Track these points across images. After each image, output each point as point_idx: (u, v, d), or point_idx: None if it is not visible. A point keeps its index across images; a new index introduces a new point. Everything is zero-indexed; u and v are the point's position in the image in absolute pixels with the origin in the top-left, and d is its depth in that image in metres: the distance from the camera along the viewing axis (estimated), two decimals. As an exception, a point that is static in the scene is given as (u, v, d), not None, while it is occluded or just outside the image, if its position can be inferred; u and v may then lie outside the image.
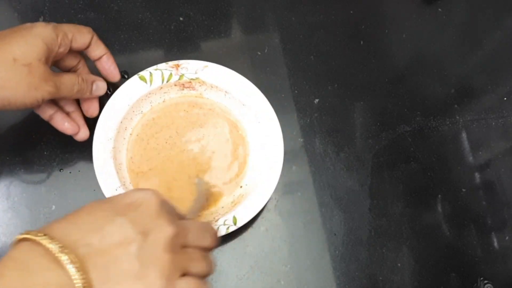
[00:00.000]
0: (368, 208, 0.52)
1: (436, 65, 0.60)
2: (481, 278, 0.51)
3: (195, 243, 0.32)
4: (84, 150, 0.48)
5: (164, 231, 0.30)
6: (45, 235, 0.27)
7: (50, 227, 0.29)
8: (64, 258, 0.26)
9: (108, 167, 0.45)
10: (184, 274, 0.30)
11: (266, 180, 0.47)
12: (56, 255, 0.26)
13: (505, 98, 0.60)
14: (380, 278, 0.50)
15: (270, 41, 0.57)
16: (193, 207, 0.43)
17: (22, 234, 0.28)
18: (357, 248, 0.50)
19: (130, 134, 0.49)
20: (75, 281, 0.26)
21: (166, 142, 0.49)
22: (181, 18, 0.57)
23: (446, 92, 0.59)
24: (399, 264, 0.51)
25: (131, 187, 0.47)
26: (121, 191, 0.45)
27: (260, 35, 0.58)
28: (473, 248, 0.52)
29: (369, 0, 0.61)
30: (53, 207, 0.47)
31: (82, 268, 0.26)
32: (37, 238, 0.27)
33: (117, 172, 0.46)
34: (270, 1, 0.59)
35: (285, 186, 0.51)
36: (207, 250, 0.34)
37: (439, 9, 0.62)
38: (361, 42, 0.59)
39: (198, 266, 0.32)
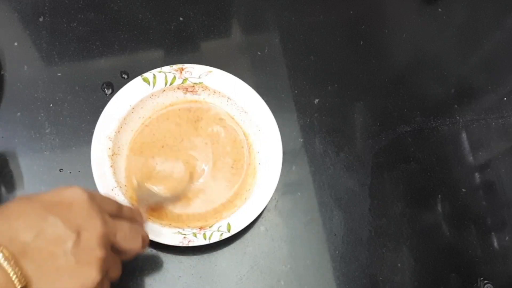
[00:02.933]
0: (368, 208, 0.52)
1: (436, 65, 0.60)
2: (481, 278, 0.51)
3: (124, 245, 0.34)
4: (84, 150, 0.48)
5: (97, 230, 0.31)
6: None
7: None
8: None
9: (105, 167, 0.45)
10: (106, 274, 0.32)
11: (265, 182, 0.47)
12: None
13: (505, 98, 0.60)
14: (380, 278, 0.50)
15: (270, 41, 0.57)
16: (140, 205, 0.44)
17: None
18: (357, 248, 0.50)
19: (130, 134, 0.49)
20: (12, 277, 0.27)
21: (166, 144, 0.49)
22: (181, 18, 0.57)
23: (446, 92, 0.59)
24: (399, 264, 0.51)
25: (128, 188, 0.47)
26: (117, 192, 0.45)
27: (260, 35, 0.58)
28: (473, 248, 0.52)
29: (369, 0, 0.61)
30: (53, 207, 0.47)
31: (18, 264, 0.27)
32: None
33: (114, 173, 0.46)
34: (270, 1, 0.59)
35: (285, 186, 0.51)
36: (133, 253, 0.36)
37: (439, 9, 0.62)
38: (361, 42, 0.59)
39: (115, 270, 0.34)
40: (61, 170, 0.49)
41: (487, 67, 0.61)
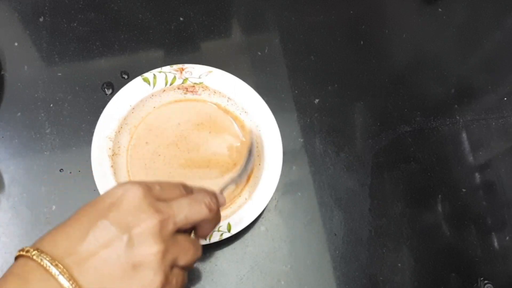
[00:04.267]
0: (368, 208, 0.52)
1: (436, 65, 0.60)
2: (481, 278, 0.51)
3: (188, 221, 0.32)
4: (84, 150, 0.48)
5: (148, 223, 0.29)
6: (36, 249, 0.28)
7: (41, 240, 0.29)
8: (54, 270, 0.27)
9: (106, 167, 0.45)
10: (173, 265, 0.30)
11: (263, 187, 0.47)
12: (47, 268, 0.27)
13: (505, 98, 0.60)
14: (380, 278, 0.50)
15: (270, 41, 0.57)
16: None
17: (18, 251, 0.29)
18: (357, 248, 0.50)
19: (130, 135, 0.49)
20: None
21: (166, 144, 0.49)
22: (181, 18, 0.57)
23: (446, 92, 0.59)
24: (399, 264, 0.51)
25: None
26: None
27: (260, 35, 0.58)
28: (473, 248, 0.52)
29: (369, 0, 0.61)
30: (53, 207, 0.47)
31: (72, 277, 0.27)
32: (29, 254, 0.28)
33: (114, 173, 0.46)
34: (270, 1, 0.59)
35: (285, 186, 0.51)
36: (204, 224, 0.34)
37: (439, 9, 0.62)
38: (361, 42, 0.59)
39: (187, 256, 0.31)
40: (61, 170, 0.49)
41: (487, 67, 0.61)
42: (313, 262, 0.49)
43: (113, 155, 0.47)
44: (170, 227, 0.30)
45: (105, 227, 0.29)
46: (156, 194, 0.31)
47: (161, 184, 0.33)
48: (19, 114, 0.50)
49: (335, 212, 0.51)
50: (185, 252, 0.31)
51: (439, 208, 0.53)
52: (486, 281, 0.51)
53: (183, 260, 0.31)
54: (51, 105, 0.51)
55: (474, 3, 0.63)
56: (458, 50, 0.61)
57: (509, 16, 0.64)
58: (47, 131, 0.50)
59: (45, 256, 0.28)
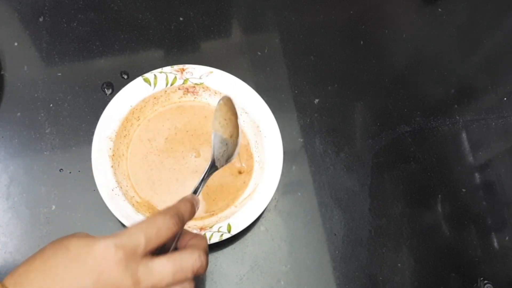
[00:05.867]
0: (368, 208, 0.52)
1: (436, 65, 0.60)
2: (481, 278, 0.51)
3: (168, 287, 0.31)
4: (84, 150, 0.48)
5: None
6: None
7: (15, 283, 0.29)
8: None
9: (106, 167, 0.45)
10: None
11: (264, 187, 0.47)
12: None
13: (505, 98, 0.60)
14: (380, 278, 0.50)
15: (270, 41, 0.57)
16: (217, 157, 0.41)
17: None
18: (357, 248, 0.50)
19: (130, 135, 0.49)
20: None
21: (166, 145, 0.49)
22: (181, 18, 0.57)
23: (446, 92, 0.59)
24: (399, 264, 0.51)
25: (128, 188, 0.47)
26: (117, 192, 0.45)
27: (260, 35, 0.58)
28: (473, 248, 0.52)
29: (369, 0, 0.61)
30: (53, 207, 0.47)
31: None
32: None
33: (115, 173, 0.46)
34: (270, 1, 0.59)
35: (285, 186, 0.51)
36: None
37: (439, 9, 0.62)
38: (361, 42, 0.59)
39: None
40: (61, 170, 0.49)
41: (487, 67, 0.61)
42: (313, 262, 0.49)
43: (113, 155, 0.47)
44: None
45: None
46: (141, 252, 0.30)
47: (149, 234, 0.30)
48: (19, 114, 0.50)
49: (335, 212, 0.51)
50: None
51: (439, 208, 0.53)
52: (486, 281, 0.51)
53: None
54: (51, 105, 0.51)
55: (474, 3, 0.63)
56: (458, 50, 0.61)
57: (509, 16, 0.64)
58: (47, 131, 0.50)
59: None
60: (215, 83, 0.50)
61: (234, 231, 0.45)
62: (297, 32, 0.58)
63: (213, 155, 0.42)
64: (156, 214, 0.32)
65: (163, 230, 0.31)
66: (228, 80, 0.50)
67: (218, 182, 0.49)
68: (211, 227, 0.45)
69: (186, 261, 0.31)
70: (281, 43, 0.57)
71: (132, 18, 0.56)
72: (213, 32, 0.57)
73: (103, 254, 0.29)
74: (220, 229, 0.45)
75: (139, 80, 0.48)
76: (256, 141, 0.50)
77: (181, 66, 0.49)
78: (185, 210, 0.33)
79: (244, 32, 0.58)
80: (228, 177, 0.49)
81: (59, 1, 0.55)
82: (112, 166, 0.46)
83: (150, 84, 0.49)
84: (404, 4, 0.62)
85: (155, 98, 0.49)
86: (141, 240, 0.30)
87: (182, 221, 0.33)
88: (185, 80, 0.50)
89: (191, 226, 0.46)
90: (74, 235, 0.31)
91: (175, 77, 0.49)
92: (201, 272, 0.32)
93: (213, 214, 0.48)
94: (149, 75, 0.49)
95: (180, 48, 0.55)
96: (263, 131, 0.49)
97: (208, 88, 0.50)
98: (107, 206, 0.43)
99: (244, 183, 0.49)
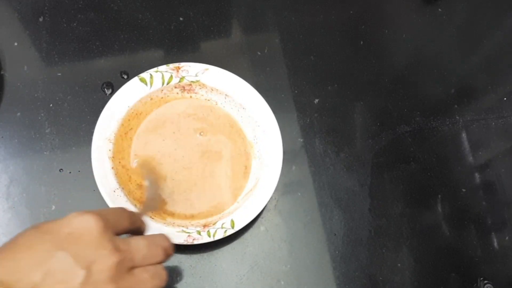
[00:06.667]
0: (368, 208, 0.52)
1: (436, 65, 0.60)
2: (481, 278, 0.51)
3: (145, 263, 0.32)
4: (84, 150, 0.48)
5: (107, 262, 0.29)
6: None
7: None
8: None
9: (106, 168, 0.45)
10: None
11: (265, 182, 0.47)
12: None
13: (505, 98, 0.60)
14: (380, 278, 0.50)
15: (270, 41, 0.57)
16: (145, 205, 0.43)
17: None
18: (357, 248, 0.50)
19: (130, 135, 0.49)
20: None
21: (165, 144, 0.49)
22: (181, 18, 0.57)
23: (446, 92, 0.59)
24: (399, 264, 0.51)
25: (131, 189, 0.47)
26: (119, 193, 0.45)
27: (260, 35, 0.58)
28: (473, 248, 0.52)
29: (369, 0, 0.61)
30: (53, 207, 0.47)
31: None
32: None
33: (115, 174, 0.46)
34: (270, 1, 0.59)
35: (285, 186, 0.51)
36: (161, 263, 0.33)
37: (439, 9, 0.62)
38: (361, 42, 0.59)
39: (147, 286, 0.31)
40: (61, 170, 0.49)
41: (487, 67, 0.61)
42: (313, 262, 0.49)
43: (113, 156, 0.47)
44: (128, 265, 0.30)
45: (64, 259, 0.28)
46: (111, 226, 0.31)
47: (114, 213, 0.32)
48: (19, 114, 0.50)
49: (335, 212, 0.51)
50: (143, 286, 0.31)
51: (439, 208, 0.53)
52: (486, 281, 0.51)
53: None
54: (51, 105, 0.51)
55: (474, 3, 0.63)
56: (458, 50, 0.61)
57: (509, 16, 0.64)
58: (47, 131, 0.50)
59: None
60: (211, 80, 0.50)
61: (237, 227, 0.45)
62: (297, 32, 0.58)
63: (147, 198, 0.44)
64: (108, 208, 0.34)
65: (123, 216, 0.33)
66: (224, 76, 0.50)
67: (218, 180, 0.49)
68: (214, 224, 0.45)
69: (157, 239, 0.34)
70: (281, 43, 0.57)
71: (132, 18, 0.56)
72: (213, 32, 0.57)
73: (81, 222, 0.29)
74: (224, 225, 0.45)
75: (135, 80, 0.48)
76: (255, 136, 0.50)
77: (176, 64, 0.49)
78: (137, 217, 0.36)
79: (244, 32, 0.58)
80: (228, 173, 0.49)
81: (59, 1, 0.55)
82: (112, 168, 0.46)
83: (146, 84, 0.49)
84: (404, 4, 0.62)
85: (151, 98, 0.49)
86: (111, 217, 0.31)
87: (136, 221, 0.35)
88: (181, 78, 0.50)
89: (195, 224, 0.46)
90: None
91: (171, 76, 0.49)
92: (170, 253, 0.34)
93: (215, 211, 0.48)
94: (145, 74, 0.49)
95: (180, 48, 0.55)
96: (261, 125, 0.49)
97: (204, 86, 0.50)
98: (109, 207, 0.43)
99: (244, 179, 0.49)
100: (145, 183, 0.47)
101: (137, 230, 0.35)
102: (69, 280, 0.28)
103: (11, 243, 0.29)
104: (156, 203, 0.45)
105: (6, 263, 0.28)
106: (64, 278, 0.28)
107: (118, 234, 0.32)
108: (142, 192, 0.47)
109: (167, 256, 0.34)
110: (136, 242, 0.32)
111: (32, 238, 0.29)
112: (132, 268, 0.31)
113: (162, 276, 0.33)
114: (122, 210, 0.34)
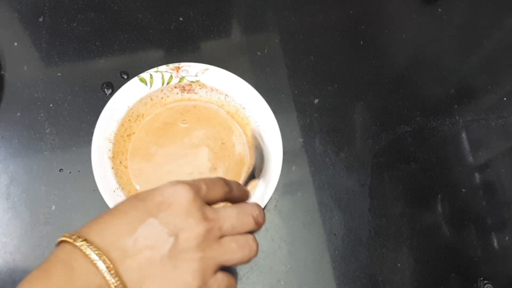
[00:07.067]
0: (368, 208, 0.52)
1: (436, 65, 0.60)
2: (481, 278, 0.51)
3: (234, 232, 0.32)
4: (84, 150, 0.48)
5: (195, 230, 0.29)
6: (84, 239, 0.28)
7: (88, 229, 0.29)
8: (100, 264, 0.27)
9: (106, 168, 0.45)
10: (220, 268, 0.31)
11: (265, 182, 0.47)
12: (94, 262, 0.27)
13: (505, 98, 0.60)
14: (380, 278, 0.50)
15: (270, 41, 0.57)
16: (249, 174, 0.42)
17: (62, 236, 0.29)
18: (357, 248, 0.50)
19: (129, 135, 0.49)
20: (112, 286, 0.27)
21: (165, 144, 0.49)
22: (181, 18, 0.57)
23: (446, 92, 0.59)
24: (399, 264, 0.51)
25: (131, 189, 0.47)
26: (119, 193, 0.45)
27: (260, 35, 0.58)
28: (473, 248, 0.52)
29: (369, 0, 0.61)
30: (53, 207, 0.47)
31: (117, 274, 0.27)
32: (76, 244, 0.28)
33: (115, 174, 0.46)
34: (270, 1, 0.59)
35: (285, 186, 0.51)
36: (252, 232, 0.33)
37: (439, 9, 0.62)
38: (361, 42, 0.59)
39: (234, 257, 0.31)
40: (61, 170, 0.49)
41: (487, 67, 0.61)
42: (313, 262, 0.49)
43: (113, 157, 0.47)
44: (216, 234, 0.31)
45: (154, 226, 0.29)
46: (203, 195, 0.31)
47: (207, 183, 0.32)
48: (19, 114, 0.50)
49: (335, 212, 0.51)
50: (231, 255, 0.31)
51: (439, 208, 0.53)
52: (486, 281, 0.51)
53: (229, 263, 0.31)
54: (51, 105, 0.51)
55: (474, 3, 0.63)
56: (458, 50, 0.61)
57: (509, 16, 0.64)
58: (47, 131, 0.50)
59: (93, 249, 0.28)
60: (211, 80, 0.50)
61: None
62: (297, 32, 0.58)
63: (254, 165, 0.42)
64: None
65: (217, 186, 0.33)
66: (224, 76, 0.50)
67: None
68: None
69: (248, 207, 0.33)
70: (281, 43, 0.57)
71: (132, 18, 0.56)
72: (213, 32, 0.57)
73: (173, 191, 0.30)
74: None
75: (135, 80, 0.48)
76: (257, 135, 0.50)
77: (176, 64, 0.49)
78: (233, 186, 0.35)
79: (244, 32, 0.58)
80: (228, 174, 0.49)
81: (59, 1, 0.55)
82: (112, 168, 0.46)
83: (146, 84, 0.49)
84: (404, 4, 0.62)
85: (151, 98, 0.49)
86: (204, 187, 0.31)
87: (231, 191, 0.34)
88: (181, 78, 0.50)
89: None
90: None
91: (171, 76, 0.49)
92: (261, 222, 0.33)
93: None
94: (145, 74, 0.49)
95: (180, 48, 0.55)
96: (261, 125, 0.49)
97: (204, 86, 0.50)
98: (110, 207, 0.43)
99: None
100: (255, 151, 0.45)
101: (237, 199, 0.35)
102: (158, 246, 0.29)
103: (112, 209, 0.30)
104: (258, 173, 0.43)
105: (103, 228, 0.29)
106: (154, 244, 0.29)
107: (211, 203, 0.32)
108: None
109: (258, 225, 0.33)
110: (225, 211, 0.32)
111: (128, 204, 0.30)
112: (221, 237, 0.31)
113: (251, 246, 0.32)
114: (218, 179, 0.34)
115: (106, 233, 0.29)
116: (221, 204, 0.33)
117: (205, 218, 0.30)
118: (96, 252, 0.27)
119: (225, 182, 0.34)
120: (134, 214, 0.30)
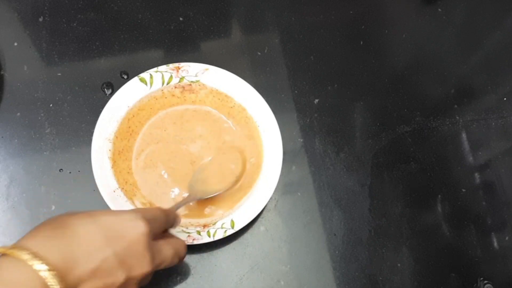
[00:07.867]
0: (368, 208, 0.52)
1: (436, 65, 0.60)
2: (481, 278, 0.51)
3: (164, 266, 0.37)
4: (84, 150, 0.48)
5: (144, 269, 0.33)
6: (40, 260, 0.28)
7: (37, 244, 0.30)
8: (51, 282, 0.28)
9: (106, 168, 0.45)
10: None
11: (265, 182, 0.47)
12: (48, 283, 0.28)
13: (505, 98, 0.60)
14: (380, 278, 0.50)
15: (270, 41, 0.57)
16: (179, 203, 0.44)
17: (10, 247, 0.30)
18: (357, 248, 0.50)
19: (130, 135, 0.49)
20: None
21: (165, 144, 0.49)
22: (181, 18, 0.57)
23: (446, 92, 0.59)
24: (399, 264, 0.51)
25: (131, 189, 0.47)
26: (119, 193, 0.45)
27: (260, 35, 0.58)
28: (473, 248, 0.52)
29: (369, 0, 0.61)
30: (53, 207, 0.47)
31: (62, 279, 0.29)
32: (29, 263, 0.28)
33: (115, 174, 0.46)
34: (270, 1, 0.59)
35: (285, 186, 0.51)
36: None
37: (439, 9, 0.62)
38: (361, 42, 0.59)
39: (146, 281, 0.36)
40: (61, 170, 0.49)
41: (487, 67, 0.61)
42: (313, 262, 0.49)
43: (113, 157, 0.47)
44: (154, 270, 0.35)
45: (112, 260, 0.31)
46: (153, 234, 0.35)
47: (154, 217, 0.36)
48: (18, 114, 0.50)
49: (335, 212, 0.51)
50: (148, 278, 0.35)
51: (439, 208, 0.53)
52: (486, 281, 0.51)
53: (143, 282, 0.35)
54: (51, 105, 0.51)
55: (474, 3, 0.63)
56: (458, 50, 0.61)
57: (509, 16, 0.64)
58: (47, 131, 0.50)
59: (52, 271, 0.28)
60: (211, 80, 0.50)
61: (237, 227, 0.45)
62: (297, 32, 0.58)
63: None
64: (149, 207, 0.39)
65: (162, 221, 0.37)
66: (224, 76, 0.50)
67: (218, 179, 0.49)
68: (214, 224, 0.45)
69: (179, 244, 0.39)
70: (281, 43, 0.57)
71: (132, 18, 0.56)
72: (213, 32, 0.57)
73: (133, 226, 0.33)
74: (224, 225, 0.45)
75: (135, 80, 0.48)
76: (254, 141, 0.50)
77: (176, 64, 0.49)
78: (170, 216, 0.40)
79: (244, 32, 0.58)
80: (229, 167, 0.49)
81: (59, 1, 0.55)
82: (112, 168, 0.46)
83: (146, 84, 0.49)
84: (404, 4, 0.62)
85: (151, 98, 0.49)
86: (155, 224, 0.35)
87: (169, 221, 0.39)
88: (181, 78, 0.50)
89: (194, 223, 0.46)
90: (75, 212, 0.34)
91: (171, 76, 0.49)
92: (183, 259, 0.40)
93: (215, 208, 0.48)
94: (145, 74, 0.49)
95: (180, 48, 0.55)
96: (261, 125, 0.49)
97: (204, 86, 0.50)
98: (109, 207, 0.43)
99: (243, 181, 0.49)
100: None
101: (171, 226, 0.40)
102: (111, 279, 0.32)
103: (67, 227, 0.31)
104: (193, 196, 0.46)
105: (63, 249, 0.30)
106: (108, 276, 0.31)
107: (154, 237, 0.36)
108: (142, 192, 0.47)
109: (181, 262, 0.40)
110: (167, 252, 0.37)
111: (87, 228, 0.32)
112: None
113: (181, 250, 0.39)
114: (162, 214, 0.38)
115: (68, 255, 0.30)
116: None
117: (153, 259, 0.34)
118: (54, 273, 0.28)
119: (167, 214, 0.38)
120: (94, 240, 0.31)
